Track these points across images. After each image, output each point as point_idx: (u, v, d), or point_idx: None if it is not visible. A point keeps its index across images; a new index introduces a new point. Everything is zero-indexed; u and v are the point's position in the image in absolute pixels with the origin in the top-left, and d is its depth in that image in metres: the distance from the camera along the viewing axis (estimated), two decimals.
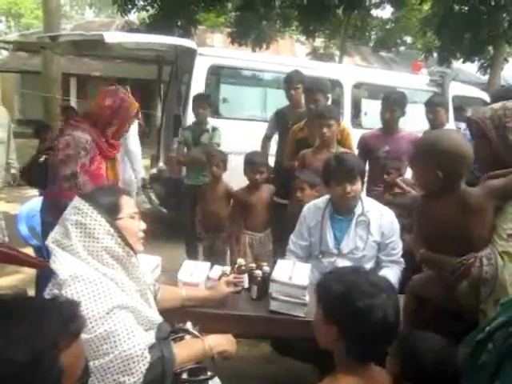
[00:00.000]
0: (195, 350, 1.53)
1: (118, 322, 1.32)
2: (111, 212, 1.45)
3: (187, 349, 1.53)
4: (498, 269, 1.40)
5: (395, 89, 4.46)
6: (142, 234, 1.55)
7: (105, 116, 2.51)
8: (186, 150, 4.38)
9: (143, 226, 1.57)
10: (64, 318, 0.89)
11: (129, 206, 1.52)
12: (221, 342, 1.60)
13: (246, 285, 2.15)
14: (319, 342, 1.30)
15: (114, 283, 1.39)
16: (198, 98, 4.32)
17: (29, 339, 0.82)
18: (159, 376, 1.38)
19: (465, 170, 1.56)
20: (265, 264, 2.24)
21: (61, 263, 1.36)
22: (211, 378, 1.54)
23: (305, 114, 3.56)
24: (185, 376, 1.49)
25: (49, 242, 1.43)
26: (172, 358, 1.42)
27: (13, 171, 4.05)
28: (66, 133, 2.42)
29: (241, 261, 2.22)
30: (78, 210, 1.42)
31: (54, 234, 1.44)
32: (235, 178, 3.49)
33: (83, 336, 1.21)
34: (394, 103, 3.45)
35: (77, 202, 1.45)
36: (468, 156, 1.54)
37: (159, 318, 1.57)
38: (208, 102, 4.32)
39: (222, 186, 3.55)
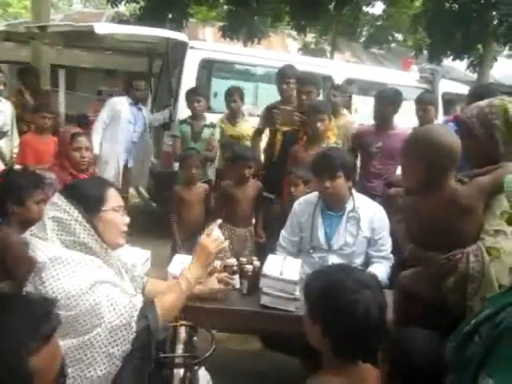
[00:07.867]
0: (176, 296, 1.54)
1: (102, 295, 1.34)
2: (95, 204, 1.46)
3: (168, 299, 1.52)
4: (484, 265, 1.41)
5: (386, 85, 4.47)
6: (125, 228, 1.56)
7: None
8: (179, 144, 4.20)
9: (127, 219, 1.57)
10: (35, 319, 0.85)
11: (114, 199, 1.53)
12: (196, 273, 1.63)
13: (238, 285, 2.13)
14: (310, 342, 1.29)
15: (94, 264, 1.40)
16: (192, 92, 4.19)
17: None
18: (146, 343, 1.39)
19: (450, 164, 1.54)
20: (255, 259, 2.24)
21: (39, 249, 1.37)
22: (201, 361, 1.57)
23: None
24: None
25: (26, 234, 1.45)
26: (157, 325, 1.42)
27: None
28: None
29: (232, 261, 2.18)
30: (57, 206, 1.43)
31: (33, 228, 1.46)
32: None
33: (69, 314, 1.25)
34: (387, 100, 3.45)
35: (55, 197, 1.47)
36: (454, 151, 1.53)
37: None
38: (203, 96, 4.22)
39: (200, 189, 3.45)
